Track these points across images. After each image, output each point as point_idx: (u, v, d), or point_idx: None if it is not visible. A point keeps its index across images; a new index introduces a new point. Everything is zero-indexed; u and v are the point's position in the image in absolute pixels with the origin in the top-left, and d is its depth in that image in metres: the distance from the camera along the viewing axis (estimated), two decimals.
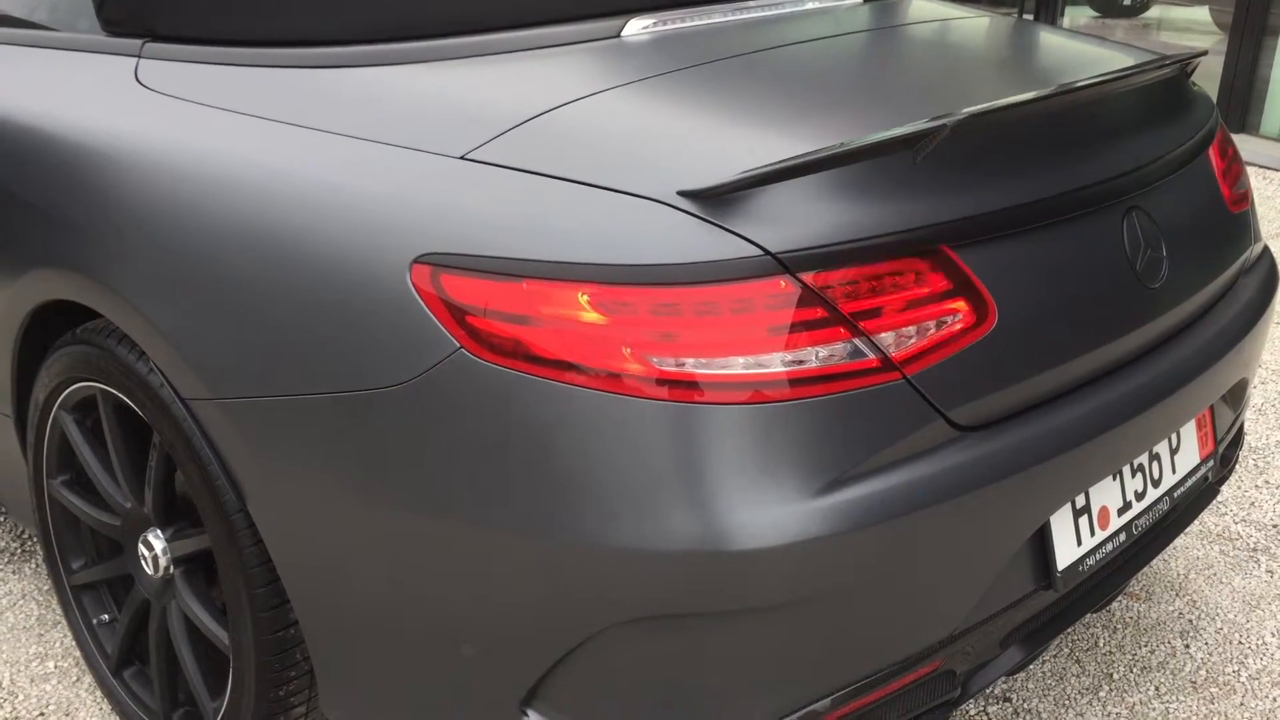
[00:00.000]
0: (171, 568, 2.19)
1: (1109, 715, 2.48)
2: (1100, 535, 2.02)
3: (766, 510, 1.60)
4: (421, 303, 1.67)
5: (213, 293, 1.86)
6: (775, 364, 1.63)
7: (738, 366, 1.62)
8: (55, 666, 2.58)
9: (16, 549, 2.97)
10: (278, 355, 1.80)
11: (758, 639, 1.66)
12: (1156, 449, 2.14)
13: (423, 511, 1.72)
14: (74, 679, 2.54)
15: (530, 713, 1.78)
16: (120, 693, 2.37)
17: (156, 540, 2.19)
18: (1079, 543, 1.97)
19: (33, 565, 2.91)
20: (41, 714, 2.44)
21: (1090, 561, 2.00)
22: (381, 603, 1.84)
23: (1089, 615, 2.61)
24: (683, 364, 1.62)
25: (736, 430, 1.62)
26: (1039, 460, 1.81)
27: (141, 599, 2.31)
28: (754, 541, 1.60)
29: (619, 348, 1.62)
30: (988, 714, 2.47)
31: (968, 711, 2.47)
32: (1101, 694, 2.54)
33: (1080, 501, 1.97)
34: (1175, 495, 2.20)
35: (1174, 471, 2.19)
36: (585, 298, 1.62)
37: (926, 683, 1.84)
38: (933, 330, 1.72)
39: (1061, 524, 1.93)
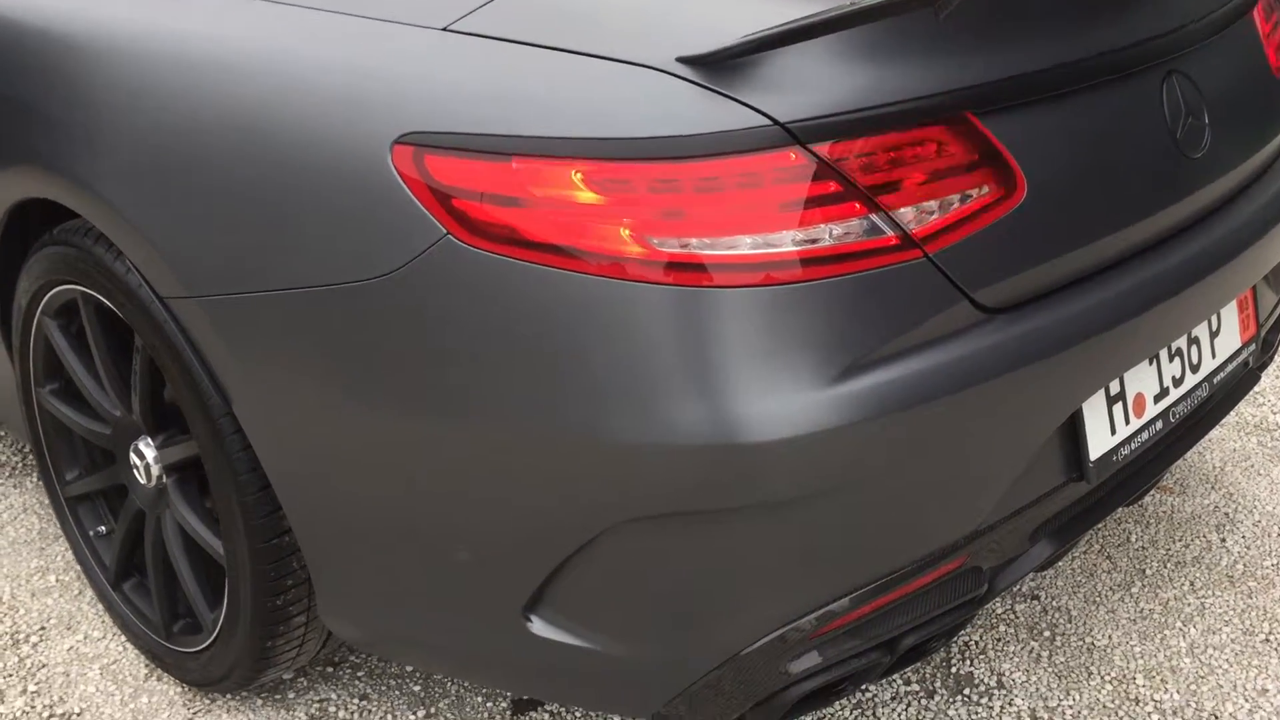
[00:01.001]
0: (163, 476, 2.11)
1: (1141, 612, 2.39)
2: (1135, 424, 1.90)
3: (779, 400, 1.50)
4: (405, 187, 1.56)
5: (188, 185, 1.75)
6: (786, 243, 1.51)
7: (745, 247, 1.50)
8: (56, 580, 2.52)
9: (18, 463, 2.91)
10: (256, 249, 1.69)
11: (770, 537, 1.56)
12: (1195, 332, 2.01)
13: (412, 410, 1.62)
14: (75, 592, 2.48)
15: (534, 619, 1.70)
16: (120, 605, 2.31)
17: (147, 448, 2.10)
18: (1113, 432, 1.86)
19: (33, 479, 2.84)
20: (43, 628, 2.39)
21: (1124, 452, 1.89)
22: (375, 507, 1.75)
23: (1121, 509, 2.51)
24: (686, 245, 1.50)
25: (745, 315, 1.50)
26: (1071, 343, 1.69)
27: (136, 509, 2.23)
28: (766, 433, 1.49)
29: (617, 229, 1.50)
30: (1015, 611, 2.39)
31: (994, 609, 2.39)
32: (1134, 590, 2.45)
33: (1115, 388, 1.85)
34: (1214, 381, 2.08)
35: (1213, 356, 2.07)
36: (579, 175, 1.50)
37: (951, 580, 1.74)
38: (956, 204, 1.59)
39: (1094, 412, 1.82)
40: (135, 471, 2.15)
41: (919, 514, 1.65)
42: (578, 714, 2.17)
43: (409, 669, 2.28)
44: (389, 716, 2.18)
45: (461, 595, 1.76)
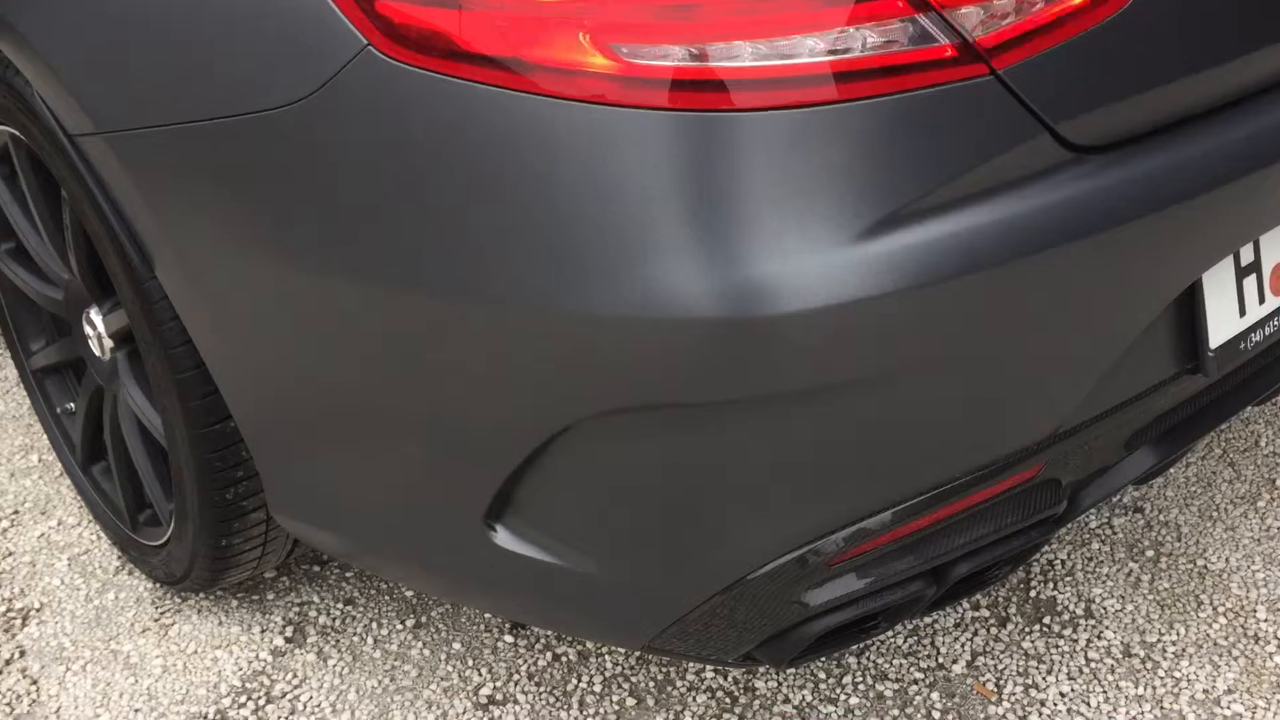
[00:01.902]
0: (115, 349, 1.85)
1: (1269, 531, 2.01)
2: (1271, 304, 1.50)
3: (795, 260, 1.15)
4: None
5: (83, 2, 1.45)
6: (804, 53, 1.15)
7: (747, 58, 1.14)
8: (39, 460, 2.30)
9: None
10: (156, 74, 1.38)
11: (783, 438, 1.23)
12: None
13: (341, 271, 1.31)
14: (57, 473, 2.26)
15: (498, 528, 1.40)
16: (89, 490, 2.08)
17: (97, 317, 1.84)
18: (1241, 312, 1.46)
19: None
20: (16, 512, 2.18)
21: (1255, 338, 1.49)
22: (311, 390, 1.46)
23: (1248, 409, 2.10)
24: (665, 55, 1.14)
25: (752, 149, 1.15)
26: (1188, 195, 1.29)
27: (95, 385, 1.98)
28: (778, 304, 1.15)
29: (574, 34, 1.15)
30: (1112, 526, 2.02)
31: (1086, 522, 2.02)
32: (1260, 504, 2.06)
33: (1246, 256, 1.45)
34: None
35: None
36: None
37: (1020, 495, 1.39)
38: (1039, 5, 1.20)
39: (1218, 286, 1.42)
40: (90, 343, 1.89)
41: (980, 412, 1.29)
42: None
43: None
44: (375, 624, 1.92)
45: (419, 498, 1.46)
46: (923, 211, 1.17)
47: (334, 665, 1.86)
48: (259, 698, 1.81)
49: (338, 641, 1.90)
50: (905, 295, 1.16)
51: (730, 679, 1.79)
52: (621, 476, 1.28)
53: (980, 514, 1.36)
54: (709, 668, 1.81)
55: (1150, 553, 1.97)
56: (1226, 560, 1.95)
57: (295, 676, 1.85)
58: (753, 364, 1.17)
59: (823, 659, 1.78)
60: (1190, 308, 1.42)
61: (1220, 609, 1.88)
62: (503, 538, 1.40)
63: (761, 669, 1.80)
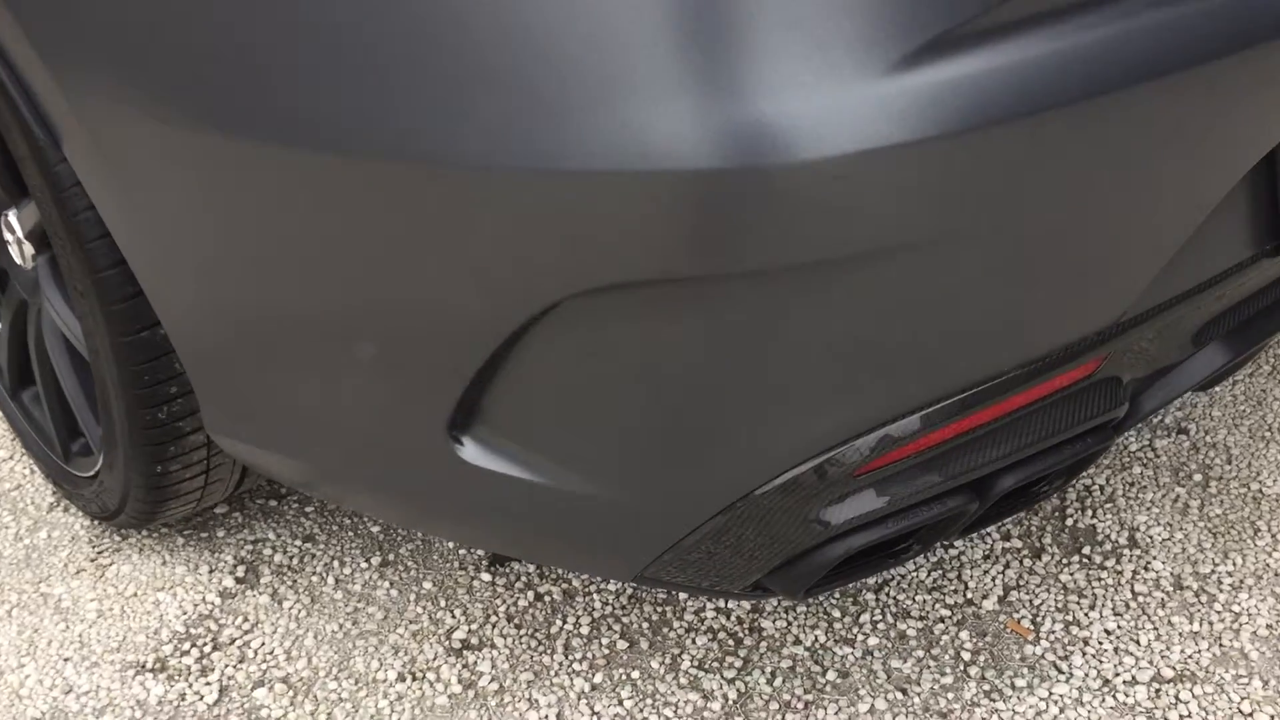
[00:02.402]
0: (36, 255, 1.63)
1: None
2: None
3: (814, 97, 0.93)
4: None
5: None
6: None
7: None
8: None
9: None
10: None
11: (794, 320, 1.02)
12: None
13: (270, 135, 1.10)
14: None
15: (465, 441, 1.19)
16: (19, 418, 1.87)
17: (14, 220, 1.62)
18: None
19: None
20: None
21: None
22: (249, 289, 1.25)
23: None
24: None
25: None
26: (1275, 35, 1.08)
27: (19, 300, 1.77)
28: (792, 151, 0.93)
29: None
30: (1154, 449, 1.82)
31: (1125, 444, 1.82)
32: None
33: None
34: None
35: None
36: None
37: (1076, 395, 1.18)
38: None
39: None
40: (10, 250, 1.68)
41: (1033, 294, 1.09)
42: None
43: None
44: (337, 562, 1.73)
45: (374, 410, 1.26)
46: (971, 39, 0.96)
47: (290, 608, 1.67)
48: (204, 644, 1.62)
49: (294, 582, 1.70)
50: (947, 142, 0.95)
51: (733, 618, 1.60)
52: (606, 371, 1.07)
53: (1030, 417, 1.16)
54: (710, 604, 1.61)
55: (1198, 477, 1.78)
56: None
57: (246, 620, 1.65)
58: (762, 227, 0.96)
59: (841, 591, 1.58)
60: (1272, 179, 1.21)
61: None
62: (470, 452, 1.19)
63: (770, 604, 1.61)
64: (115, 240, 1.34)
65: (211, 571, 1.72)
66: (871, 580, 1.64)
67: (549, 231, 1.00)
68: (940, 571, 1.65)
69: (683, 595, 1.63)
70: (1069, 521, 1.72)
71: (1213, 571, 1.63)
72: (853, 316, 1.02)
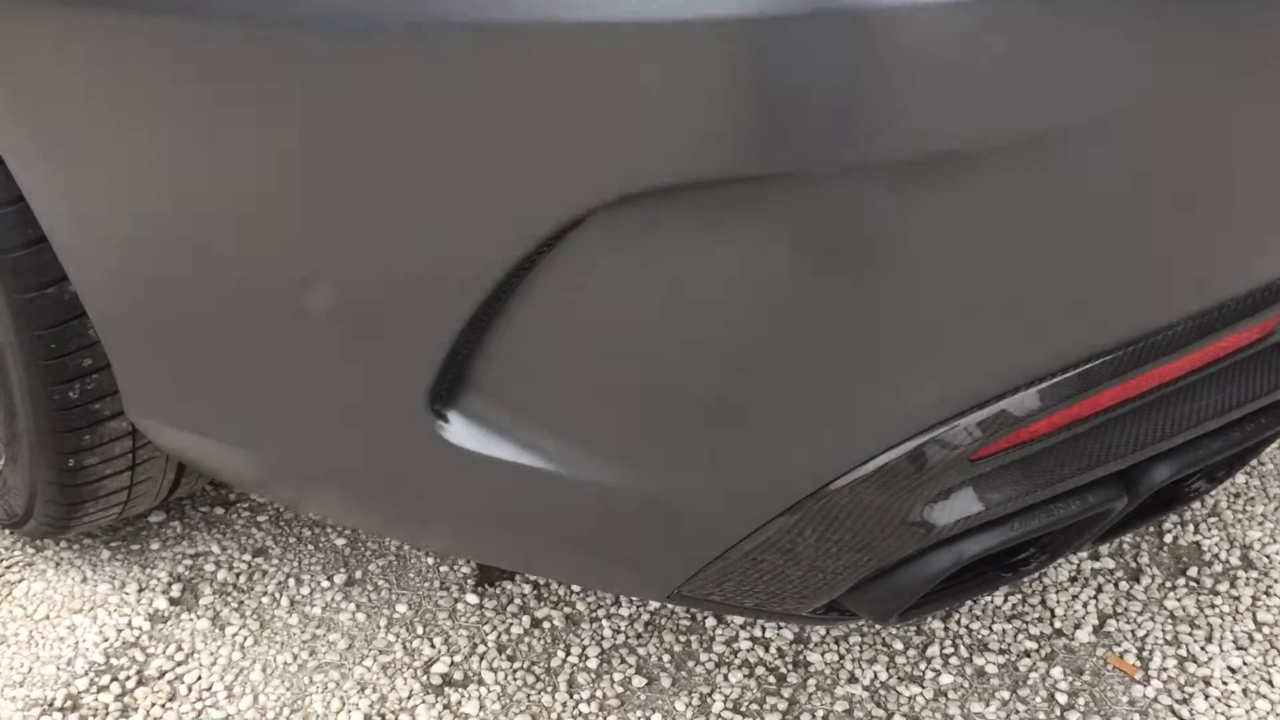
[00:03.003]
0: None
1: None
2: None
3: None
4: None
5: None
6: None
7: None
8: None
9: None
10: None
11: (899, 240, 0.74)
12: None
13: (184, 12, 0.83)
14: None
15: (450, 416, 0.92)
16: None
17: None
18: None
19: None
20: None
21: None
22: (167, 218, 0.97)
23: None
24: None
25: None
26: None
27: None
28: None
29: None
30: (1260, 458, 1.55)
31: None
32: None
33: None
34: None
35: None
36: None
37: (1249, 360, 0.91)
38: None
39: None
40: None
41: (1209, 221, 0.82)
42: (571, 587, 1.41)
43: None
44: (293, 581, 1.44)
45: (336, 379, 0.98)
46: None
47: (233, 635, 1.38)
48: (127, 678, 1.33)
49: (241, 603, 1.42)
50: None
51: (773, 650, 1.32)
52: (641, 316, 0.80)
53: (1194, 388, 0.88)
54: (744, 631, 1.33)
55: None
56: None
57: (180, 649, 1.36)
58: (871, 103, 0.69)
59: (931, 615, 1.30)
60: None
61: None
62: (457, 431, 0.92)
63: (816, 632, 1.33)
64: (13, 175, 1.07)
65: (141, 590, 1.43)
66: (992, 591, 1.36)
67: (569, 115, 0.73)
68: (1019, 596, 1.38)
69: (710, 620, 1.35)
70: (1167, 539, 1.44)
71: None
72: (982, 238, 0.74)
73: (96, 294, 1.10)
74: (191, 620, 1.39)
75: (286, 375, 1.01)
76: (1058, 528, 0.88)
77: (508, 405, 0.89)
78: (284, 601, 1.41)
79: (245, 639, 1.37)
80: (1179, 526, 1.45)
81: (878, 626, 1.34)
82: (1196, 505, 1.48)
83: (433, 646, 1.35)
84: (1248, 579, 1.39)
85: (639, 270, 0.78)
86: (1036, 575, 1.39)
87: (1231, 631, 1.33)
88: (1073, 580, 1.40)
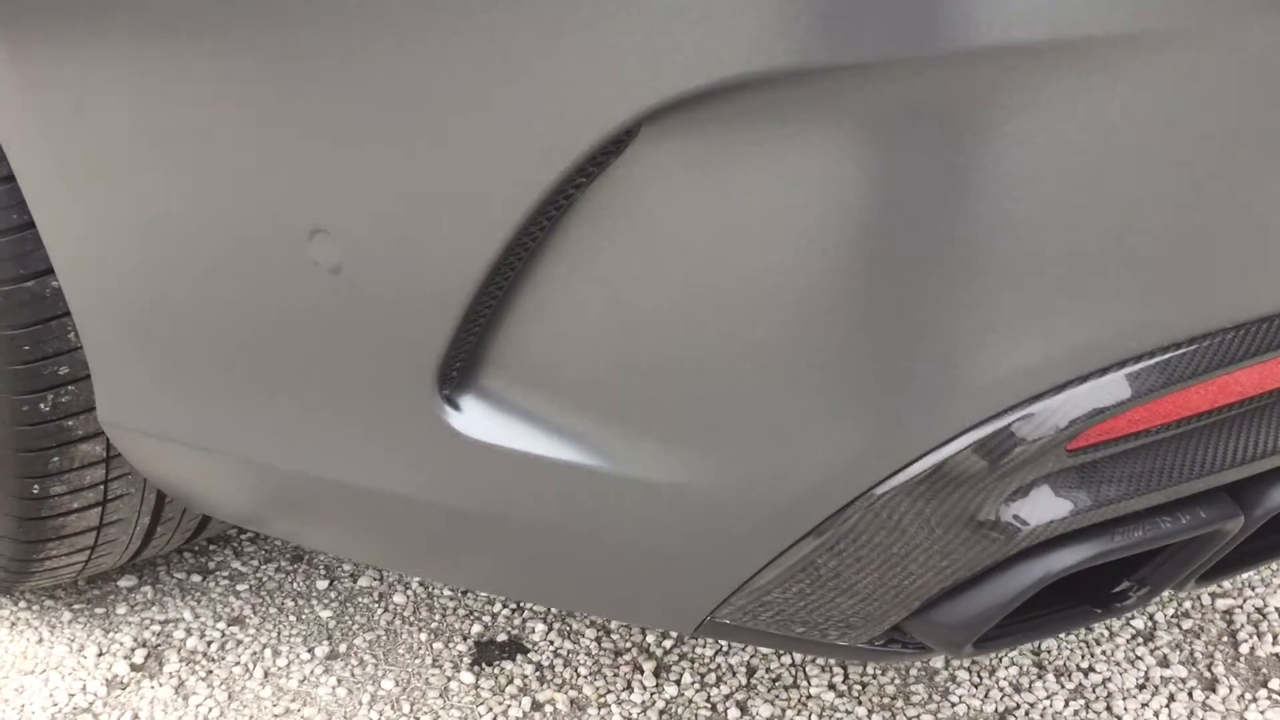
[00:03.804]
0: None
1: None
2: None
3: None
4: None
5: None
6: None
7: None
8: None
9: None
10: None
11: (1006, 153, 0.65)
12: None
13: None
14: None
15: (465, 402, 0.81)
16: None
17: None
18: None
19: None
20: None
21: None
22: (168, 199, 0.88)
23: None
24: None
25: None
26: None
27: None
28: None
29: None
30: None
31: None
32: None
33: None
34: None
35: None
36: None
37: None
38: None
39: None
40: None
41: None
42: (584, 646, 1.26)
43: (318, 585, 1.39)
44: (269, 651, 1.29)
45: (332, 358, 0.87)
46: None
47: (197, 705, 1.23)
48: None
49: (209, 672, 1.27)
50: None
51: None
52: (694, 259, 0.69)
53: None
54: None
55: None
56: None
57: (135, 718, 1.21)
58: None
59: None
60: None
61: None
62: (471, 419, 0.80)
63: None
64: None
65: (101, 654, 1.29)
66: (990, 708, 1.21)
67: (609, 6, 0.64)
68: (1082, 700, 1.23)
69: (732, 712, 1.20)
70: (1242, 648, 1.30)
71: None
72: (1108, 153, 0.64)
73: (82, 280, 1.00)
74: (153, 688, 1.25)
75: (282, 364, 0.90)
76: (1163, 545, 0.75)
77: (535, 384, 0.78)
78: (258, 672, 1.27)
79: (210, 710, 1.22)
80: (1255, 636, 1.31)
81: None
82: (1273, 614, 1.34)
83: None
84: None
85: (698, 199, 0.67)
86: (1101, 679, 1.24)
87: None
88: (1140, 687, 1.24)
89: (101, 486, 1.17)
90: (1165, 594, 1.36)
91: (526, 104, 0.67)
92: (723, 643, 1.29)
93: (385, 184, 0.75)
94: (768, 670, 1.26)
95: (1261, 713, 1.22)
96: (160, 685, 1.25)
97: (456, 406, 0.81)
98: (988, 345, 0.67)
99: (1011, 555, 0.73)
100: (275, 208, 0.81)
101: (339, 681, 1.26)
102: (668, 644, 1.29)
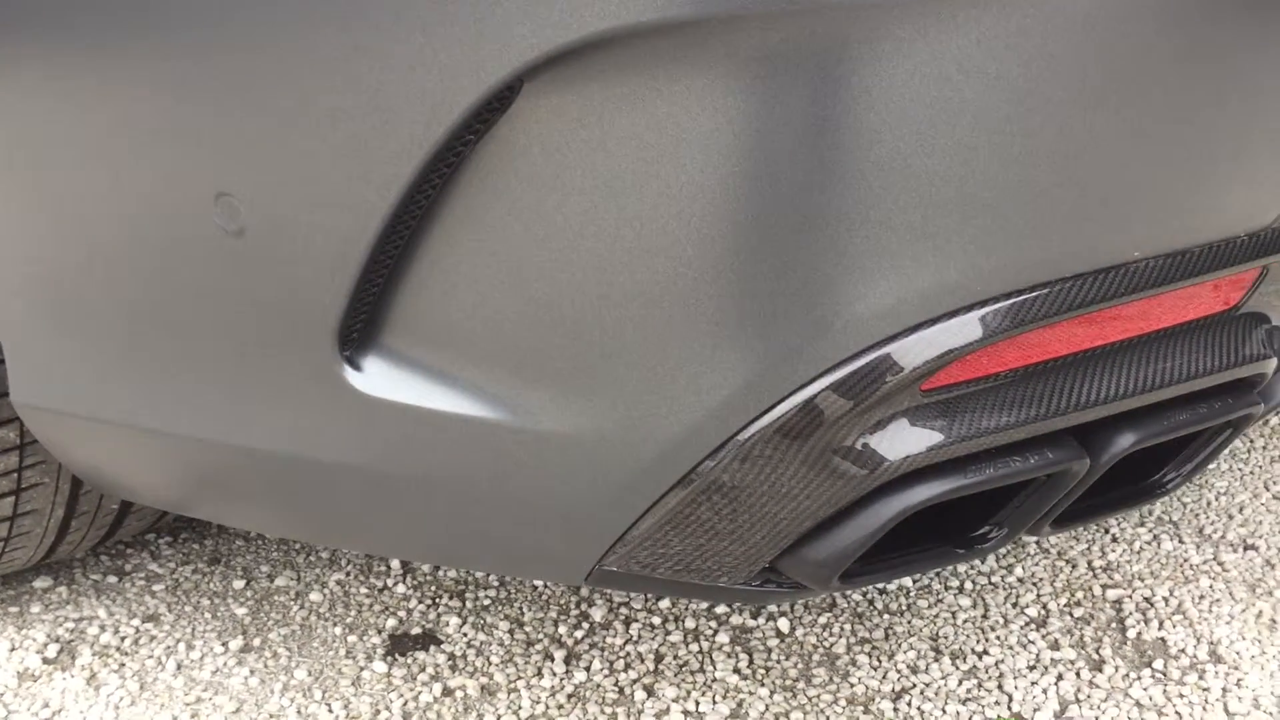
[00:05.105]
0: None
1: None
2: None
3: None
4: None
5: None
6: None
7: None
8: None
9: None
10: None
11: (868, 100, 0.70)
12: None
13: None
14: None
15: (366, 362, 0.84)
16: None
17: None
18: None
19: None
20: None
21: None
22: (71, 165, 0.92)
23: None
24: None
25: None
26: None
27: None
28: None
29: None
30: (1220, 563, 1.47)
31: (1186, 557, 1.48)
32: None
33: None
34: None
35: None
36: None
37: (1214, 327, 0.86)
38: None
39: None
40: None
41: (1188, 148, 0.78)
42: (497, 637, 1.29)
43: (234, 585, 1.41)
44: (183, 645, 1.31)
45: (233, 322, 0.90)
46: None
47: (109, 695, 1.24)
48: None
49: (122, 665, 1.28)
50: None
51: None
52: (577, 210, 0.74)
53: (1158, 345, 0.83)
54: (675, 705, 1.21)
55: (1279, 593, 1.43)
56: None
57: (46, 707, 1.22)
58: None
59: (848, 700, 1.16)
60: None
61: None
62: (372, 378, 0.84)
63: (758, 702, 1.20)
64: None
65: (13, 650, 1.29)
66: (887, 688, 1.26)
67: None
68: (975, 680, 1.27)
69: (639, 694, 1.23)
70: (1130, 633, 1.35)
71: None
72: (960, 106, 0.69)
73: None
74: (64, 679, 1.26)
75: (192, 333, 0.93)
76: (1012, 482, 0.81)
77: (433, 341, 0.82)
78: (170, 665, 1.28)
79: (122, 699, 1.23)
80: (1142, 623, 1.37)
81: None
82: (1160, 603, 1.39)
83: (330, 712, 1.22)
84: (1216, 672, 1.29)
85: (578, 152, 0.72)
86: (994, 661, 1.29)
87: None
88: (1031, 668, 1.29)
89: (14, 475, 1.19)
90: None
91: (412, 62, 0.72)
92: (632, 631, 1.33)
93: (283, 145, 0.79)
94: (675, 657, 1.30)
95: (1145, 689, 1.27)
96: (72, 677, 1.26)
97: (358, 366, 0.85)
98: (844, 289, 0.72)
99: (872, 491, 0.77)
100: (180, 173, 0.85)
101: (251, 672, 1.27)
102: (579, 634, 1.33)
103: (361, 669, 1.28)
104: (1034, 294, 0.75)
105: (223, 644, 1.31)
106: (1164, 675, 1.29)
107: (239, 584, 1.41)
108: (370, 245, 0.79)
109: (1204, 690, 1.27)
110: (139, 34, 0.84)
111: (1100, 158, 0.74)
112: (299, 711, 1.22)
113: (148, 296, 0.93)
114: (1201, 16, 0.75)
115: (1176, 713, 1.24)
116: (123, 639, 1.32)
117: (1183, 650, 1.33)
